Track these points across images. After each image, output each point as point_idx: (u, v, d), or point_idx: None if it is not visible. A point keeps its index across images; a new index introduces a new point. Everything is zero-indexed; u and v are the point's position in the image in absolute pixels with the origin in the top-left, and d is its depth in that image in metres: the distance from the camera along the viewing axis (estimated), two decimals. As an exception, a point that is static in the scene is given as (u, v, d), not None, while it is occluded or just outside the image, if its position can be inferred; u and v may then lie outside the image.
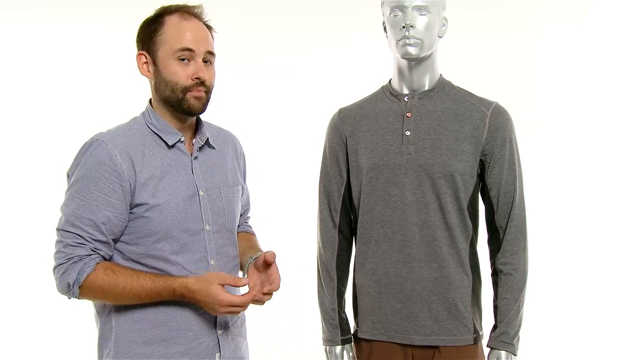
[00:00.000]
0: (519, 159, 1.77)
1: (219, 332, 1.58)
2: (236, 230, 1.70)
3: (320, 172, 1.90)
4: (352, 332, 1.88)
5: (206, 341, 1.56)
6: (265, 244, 1.80)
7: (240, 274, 1.70)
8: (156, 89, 1.55)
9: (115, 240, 1.51)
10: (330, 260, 1.86)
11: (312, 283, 1.93)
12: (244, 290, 1.59)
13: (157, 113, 1.56)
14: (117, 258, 1.52)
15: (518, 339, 1.75)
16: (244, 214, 1.84)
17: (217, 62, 1.59)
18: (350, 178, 1.83)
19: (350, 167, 1.82)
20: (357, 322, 1.85)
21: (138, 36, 1.57)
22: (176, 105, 1.53)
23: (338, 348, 1.85)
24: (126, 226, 1.49)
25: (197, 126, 1.63)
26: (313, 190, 1.92)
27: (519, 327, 1.75)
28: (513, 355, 1.73)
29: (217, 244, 1.59)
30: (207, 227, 1.56)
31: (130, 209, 1.49)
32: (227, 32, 1.68)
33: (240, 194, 1.72)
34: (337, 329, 1.85)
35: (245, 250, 1.71)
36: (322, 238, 1.88)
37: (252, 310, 1.61)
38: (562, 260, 3.35)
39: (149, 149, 1.53)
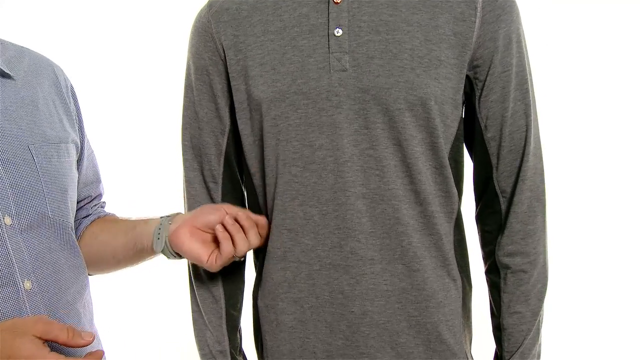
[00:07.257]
0: (531, 74, 1.03)
1: None
2: (72, 221, 1.03)
3: (183, 114, 1.08)
4: (257, 384, 1.11)
5: None
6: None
7: (89, 318, 1.02)
8: None
9: None
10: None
11: (183, 308, 1.12)
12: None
13: None
14: None
15: None
16: (94, 199, 1.15)
17: None
18: (238, 121, 1.02)
19: (235, 102, 1.02)
20: (264, 370, 1.08)
21: None
22: None
23: (235, 416, 1.07)
24: None
25: None
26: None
27: (539, 356, 1.05)
28: None
29: (34, 249, 0.93)
30: (7, 220, 0.91)
31: None
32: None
33: (73, 157, 1.04)
34: (230, 384, 1.07)
35: (132, 232, 1.05)
36: None
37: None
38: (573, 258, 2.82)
39: None
